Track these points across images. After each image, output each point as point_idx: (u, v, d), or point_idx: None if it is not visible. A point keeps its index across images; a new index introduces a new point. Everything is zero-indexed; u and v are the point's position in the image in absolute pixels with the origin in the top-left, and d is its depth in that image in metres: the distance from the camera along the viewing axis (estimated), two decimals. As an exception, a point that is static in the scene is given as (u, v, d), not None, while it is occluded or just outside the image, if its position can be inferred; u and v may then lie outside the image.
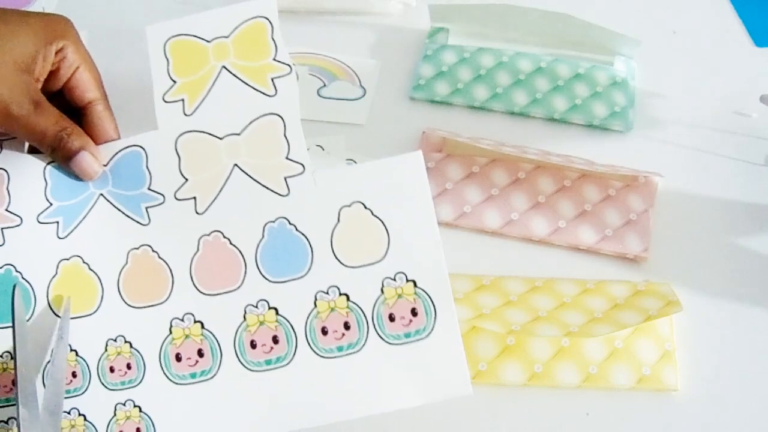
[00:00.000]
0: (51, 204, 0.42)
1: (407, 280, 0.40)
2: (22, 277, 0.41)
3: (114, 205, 0.42)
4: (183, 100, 0.42)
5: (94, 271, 0.42)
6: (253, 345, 0.41)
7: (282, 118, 0.41)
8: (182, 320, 0.42)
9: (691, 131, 0.60)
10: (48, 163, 0.42)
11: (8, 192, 0.41)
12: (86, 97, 0.42)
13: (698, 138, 0.60)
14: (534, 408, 0.47)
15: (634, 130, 0.60)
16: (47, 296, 0.42)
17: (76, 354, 0.42)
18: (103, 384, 0.42)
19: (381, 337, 0.40)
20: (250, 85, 0.41)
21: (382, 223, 0.40)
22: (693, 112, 0.61)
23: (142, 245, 0.42)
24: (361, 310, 0.40)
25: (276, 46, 0.42)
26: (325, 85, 0.65)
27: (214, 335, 0.41)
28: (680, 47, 0.66)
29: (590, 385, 0.47)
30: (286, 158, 0.41)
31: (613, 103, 0.61)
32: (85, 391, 0.42)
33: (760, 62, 0.65)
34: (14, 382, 0.39)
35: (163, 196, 0.42)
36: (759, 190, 0.56)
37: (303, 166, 0.41)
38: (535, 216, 0.55)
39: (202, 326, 0.41)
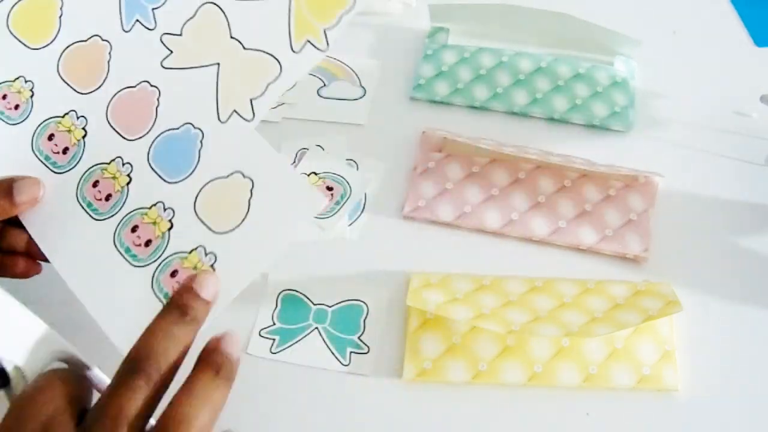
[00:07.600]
0: None
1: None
2: None
3: None
4: None
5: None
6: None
7: None
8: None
9: (691, 131, 0.60)
10: None
11: None
12: None
13: (698, 138, 0.60)
14: (534, 408, 0.47)
15: (634, 130, 0.60)
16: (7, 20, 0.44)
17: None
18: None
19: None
20: None
21: None
22: (693, 112, 0.61)
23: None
24: None
25: None
26: (325, 85, 0.65)
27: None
28: (680, 47, 0.66)
29: (590, 385, 0.47)
30: None
31: (613, 103, 0.61)
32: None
33: (760, 62, 0.65)
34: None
35: None
36: (759, 190, 0.56)
37: None
38: (535, 216, 0.55)
39: None
